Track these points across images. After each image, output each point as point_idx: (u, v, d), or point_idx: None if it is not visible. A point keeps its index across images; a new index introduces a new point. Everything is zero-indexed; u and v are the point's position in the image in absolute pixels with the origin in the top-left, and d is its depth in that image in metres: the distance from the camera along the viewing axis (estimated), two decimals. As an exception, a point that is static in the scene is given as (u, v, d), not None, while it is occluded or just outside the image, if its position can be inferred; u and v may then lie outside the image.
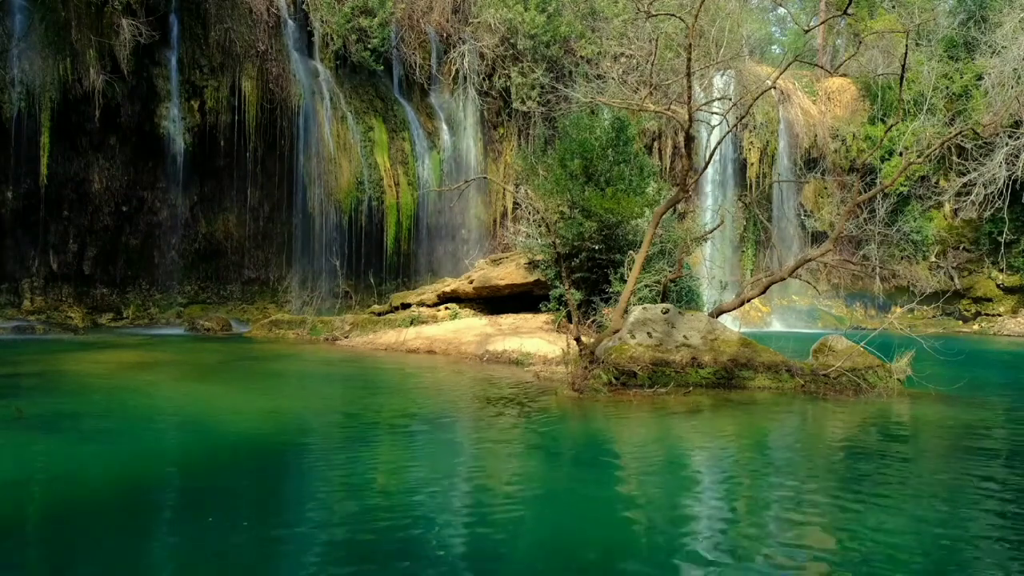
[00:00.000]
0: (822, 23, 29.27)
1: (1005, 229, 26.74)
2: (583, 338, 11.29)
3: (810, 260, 13.58)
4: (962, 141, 23.99)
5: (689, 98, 11.35)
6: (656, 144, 28.39)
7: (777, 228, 29.56)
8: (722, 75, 28.17)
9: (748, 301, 13.96)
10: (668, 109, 14.60)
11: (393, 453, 7.23)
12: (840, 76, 30.61)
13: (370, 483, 6.01)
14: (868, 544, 4.74)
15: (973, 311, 28.58)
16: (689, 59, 10.97)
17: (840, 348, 11.52)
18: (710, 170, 27.80)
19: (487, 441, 7.88)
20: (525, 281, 18.52)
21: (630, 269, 12.51)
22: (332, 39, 24.58)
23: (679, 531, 5.10)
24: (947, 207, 28.19)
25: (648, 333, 11.53)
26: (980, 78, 27.19)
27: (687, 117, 11.56)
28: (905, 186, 27.53)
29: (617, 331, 11.44)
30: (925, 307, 25.86)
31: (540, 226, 17.99)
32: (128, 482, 5.98)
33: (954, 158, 27.08)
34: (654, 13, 13.29)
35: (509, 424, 8.64)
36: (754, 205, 28.62)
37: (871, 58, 28.85)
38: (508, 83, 26.88)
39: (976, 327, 27.88)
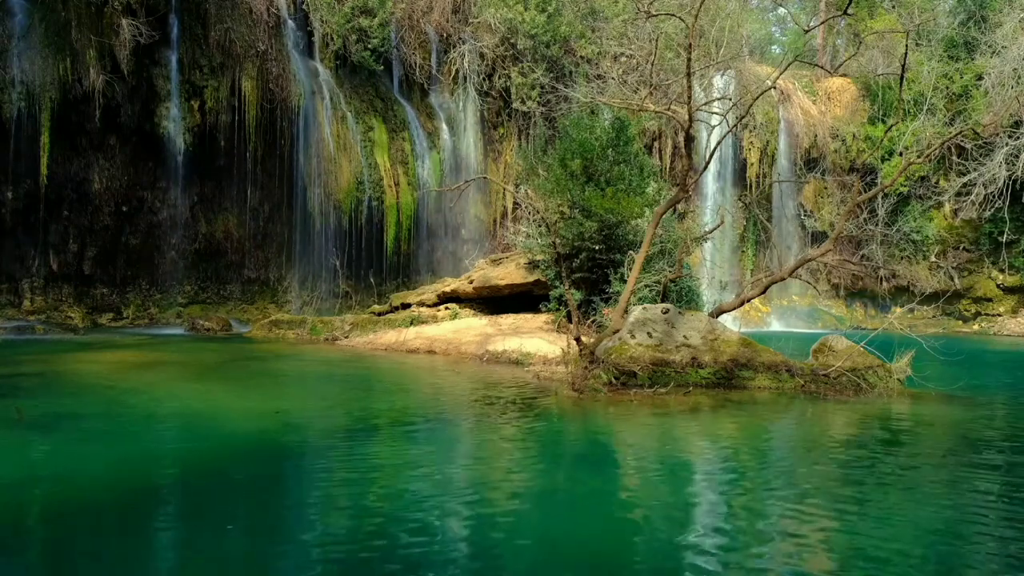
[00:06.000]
0: (822, 23, 29.22)
1: (1005, 229, 26.74)
2: (583, 338, 11.29)
3: (810, 260, 13.59)
4: (962, 141, 23.95)
5: (689, 98, 11.36)
6: (656, 144, 28.39)
7: (777, 228, 29.55)
8: (722, 75, 28.18)
9: (748, 301, 13.97)
10: (668, 109, 14.60)
11: (393, 453, 7.23)
12: (840, 76, 30.60)
13: (370, 484, 6.01)
14: (869, 544, 4.74)
15: (973, 311, 28.57)
16: (689, 59, 10.98)
17: (840, 348, 11.51)
18: (710, 170, 27.80)
19: (487, 441, 7.88)
20: (525, 281, 18.51)
21: (630, 269, 12.51)
22: (332, 39, 24.59)
23: (679, 531, 5.10)
24: (947, 207, 28.17)
25: (648, 333, 11.53)
26: (980, 78, 27.18)
27: (687, 117, 11.57)
28: (905, 186, 27.51)
29: (617, 331, 11.44)
30: (925, 307, 25.85)
31: (540, 226, 17.99)
32: (128, 483, 5.98)
33: (954, 158, 27.06)
34: (654, 13, 13.29)
35: (509, 424, 8.64)
36: (754, 205, 28.62)
37: (871, 58, 28.84)
38: (508, 83, 26.89)
39: (976, 327, 27.88)
